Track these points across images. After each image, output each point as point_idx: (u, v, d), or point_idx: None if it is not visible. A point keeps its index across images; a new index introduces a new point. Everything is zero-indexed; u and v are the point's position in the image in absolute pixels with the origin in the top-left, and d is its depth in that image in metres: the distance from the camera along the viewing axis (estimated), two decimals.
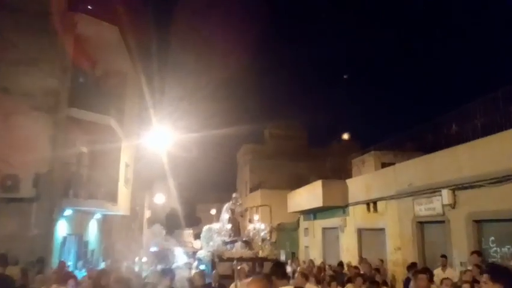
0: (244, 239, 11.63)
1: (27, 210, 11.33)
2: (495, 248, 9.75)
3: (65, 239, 13.22)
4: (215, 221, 13.82)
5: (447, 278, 7.42)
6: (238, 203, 12.48)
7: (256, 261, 10.14)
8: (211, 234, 11.83)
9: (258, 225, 12.06)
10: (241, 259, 10.40)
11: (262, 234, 11.70)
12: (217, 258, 10.70)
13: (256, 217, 12.85)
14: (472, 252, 9.11)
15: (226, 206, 12.33)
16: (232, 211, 12.09)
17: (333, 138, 31.51)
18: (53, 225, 11.98)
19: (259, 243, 11.55)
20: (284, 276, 4.68)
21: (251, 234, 11.92)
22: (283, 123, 31.57)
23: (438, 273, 9.08)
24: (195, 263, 14.80)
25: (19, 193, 11.31)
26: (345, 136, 29.41)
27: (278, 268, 4.82)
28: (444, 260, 9.88)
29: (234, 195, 12.75)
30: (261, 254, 11.10)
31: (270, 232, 12.23)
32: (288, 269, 12.81)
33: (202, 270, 11.62)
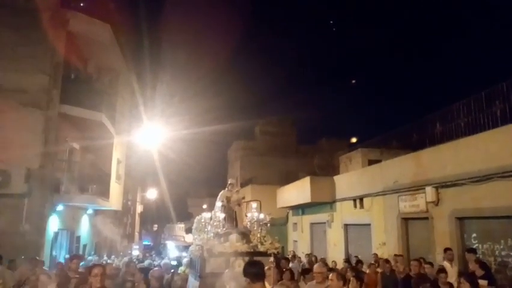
0: (240, 231, 9.99)
1: (19, 206, 11.41)
2: (477, 245, 9.97)
3: (56, 234, 13.34)
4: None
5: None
6: (235, 190, 10.83)
7: (254, 256, 8.71)
8: (203, 224, 10.22)
9: (256, 215, 10.25)
10: (235, 253, 9.15)
11: (261, 224, 10.11)
12: (207, 253, 9.10)
13: (254, 205, 10.79)
14: (469, 250, 8.89)
15: (221, 193, 10.63)
16: (228, 199, 10.44)
17: (321, 135, 31.76)
18: (45, 221, 12.08)
19: (258, 235, 9.83)
20: (259, 277, 3.92)
21: (249, 225, 10.29)
22: (274, 120, 31.75)
23: (446, 267, 8.66)
24: (186, 258, 14.83)
25: (10, 189, 11.38)
26: (353, 139, 29.02)
27: (251, 268, 3.96)
28: (450, 253, 9.28)
29: (229, 181, 11.18)
30: (260, 248, 9.51)
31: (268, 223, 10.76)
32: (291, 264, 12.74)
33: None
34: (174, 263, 14.52)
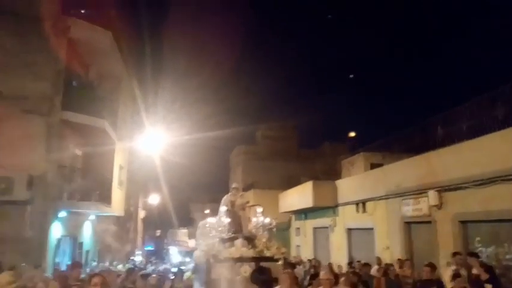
0: (246, 235, 9.65)
1: (22, 213, 11.39)
2: (480, 248, 9.92)
3: (59, 241, 13.30)
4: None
5: None
6: (239, 194, 10.52)
7: (260, 262, 8.50)
8: (207, 230, 9.90)
9: (262, 219, 10.00)
10: (241, 259, 8.86)
11: (267, 228, 9.84)
12: (213, 259, 8.88)
13: (259, 209, 10.21)
14: (471, 254, 8.75)
15: (225, 197, 10.33)
16: (232, 203, 10.11)
17: (323, 139, 31.70)
18: (48, 228, 12.07)
19: (264, 240, 9.55)
20: (267, 284, 3.88)
21: (254, 230, 9.96)
22: (275, 124, 31.72)
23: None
24: (191, 265, 14.68)
25: (13, 196, 11.35)
26: (352, 133, 28.48)
27: (260, 275, 3.93)
28: (460, 258, 8.94)
29: (234, 185, 10.94)
30: (266, 253, 9.22)
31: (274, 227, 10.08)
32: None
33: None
34: (175, 269, 14.43)
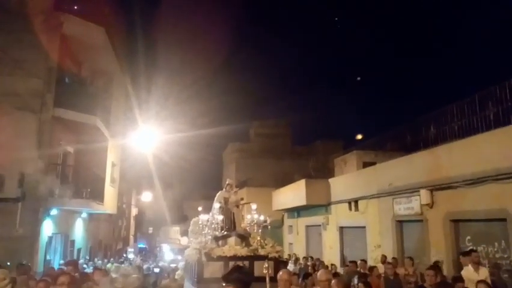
0: (239, 233, 9.57)
1: (12, 210, 11.32)
2: (471, 247, 9.96)
3: (51, 238, 13.25)
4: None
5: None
6: (233, 191, 10.37)
7: (254, 260, 8.45)
8: (200, 227, 9.67)
9: (256, 217, 9.68)
10: (235, 257, 8.71)
11: (261, 226, 9.55)
12: (205, 257, 8.72)
13: (254, 206, 9.80)
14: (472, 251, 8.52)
15: (219, 194, 10.14)
16: (226, 200, 9.96)
17: (317, 137, 31.66)
18: (39, 225, 11.99)
19: (258, 238, 9.35)
20: (247, 285, 3.34)
21: (248, 228, 9.77)
22: (269, 122, 31.64)
23: (469, 272, 7.72)
24: (182, 263, 14.65)
25: (4, 193, 11.32)
26: (359, 136, 28.19)
27: (239, 274, 3.38)
28: (476, 256, 8.28)
29: (227, 181, 10.71)
30: (260, 251, 9.00)
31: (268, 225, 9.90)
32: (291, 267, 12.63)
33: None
34: (157, 270, 14.45)
